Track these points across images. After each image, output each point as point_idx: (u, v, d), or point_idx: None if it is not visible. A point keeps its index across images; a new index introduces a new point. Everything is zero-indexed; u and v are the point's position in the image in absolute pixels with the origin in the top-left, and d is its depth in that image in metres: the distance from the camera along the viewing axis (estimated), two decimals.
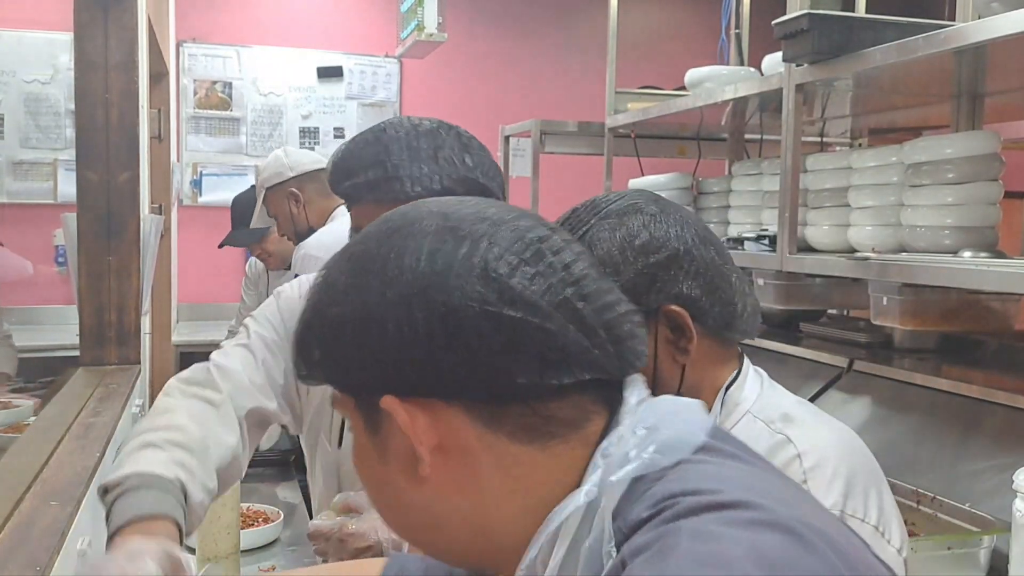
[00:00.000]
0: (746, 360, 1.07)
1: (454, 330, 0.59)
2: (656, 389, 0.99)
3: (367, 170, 1.27)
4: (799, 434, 0.97)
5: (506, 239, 0.63)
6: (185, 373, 1.33)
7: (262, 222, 2.76)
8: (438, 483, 0.63)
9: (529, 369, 0.60)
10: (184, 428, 1.17)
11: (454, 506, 0.64)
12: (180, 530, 1.06)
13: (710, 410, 1.01)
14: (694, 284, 0.99)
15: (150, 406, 3.39)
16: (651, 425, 0.62)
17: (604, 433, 0.64)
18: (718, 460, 0.61)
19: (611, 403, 0.65)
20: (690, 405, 0.66)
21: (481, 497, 0.63)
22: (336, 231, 2.49)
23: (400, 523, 0.69)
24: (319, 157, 2.71)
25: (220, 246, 3.20)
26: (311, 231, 2.58)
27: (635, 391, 0.66)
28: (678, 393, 1.01)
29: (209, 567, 1.70)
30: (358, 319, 0.62)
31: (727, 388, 1.03)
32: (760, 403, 1.02)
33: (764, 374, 1.08)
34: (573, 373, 0.61)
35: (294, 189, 2.64)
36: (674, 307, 0.98)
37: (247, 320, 1.40)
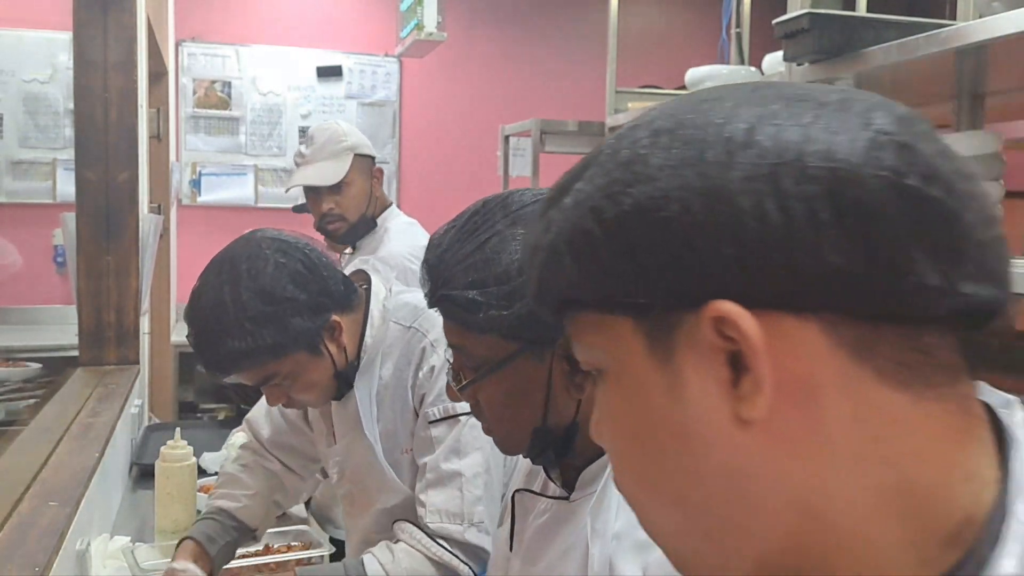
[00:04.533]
0: None
1: (848, 206, 0.42)
2: (549, 418, 0.94)
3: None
4: None
5: (889, 107, 0.46)
6: None
7: (329, 179, 2.36)
8: (764, 433, 0.44)
9: (942, 269, 0.43)
10: None
11: (779, 471, 0.45)
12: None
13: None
14: None
15: (150, 406, 3.39)
16: None
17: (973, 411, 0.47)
18: None
19: (971, 367, 0.49)
20: None
21: (821, 460, 0.44)
22: (410, 237, 2.37)
23: (678, 499, 0.48)
24: None
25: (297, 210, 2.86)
26: (370, 222, 2.43)
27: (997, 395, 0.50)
28: (572, 424, 0.95)
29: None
30: (689, 198, 0.44)
31: None
32: None
33: None
34: (979, 283, 0.44)
35: (380, 167, 2.49)
36: None
37: None
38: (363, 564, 1.39)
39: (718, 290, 0.44)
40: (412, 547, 1.39)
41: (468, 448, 1.41)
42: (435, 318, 1.46)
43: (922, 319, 0.44)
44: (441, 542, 1.39)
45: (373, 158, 2.47)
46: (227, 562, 1.62)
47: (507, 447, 1.02)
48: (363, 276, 1.56)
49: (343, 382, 1.46)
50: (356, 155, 2.39)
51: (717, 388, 0.45)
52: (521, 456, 1.02)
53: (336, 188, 2.37)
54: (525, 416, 0.96)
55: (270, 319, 1.31)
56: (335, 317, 1.40)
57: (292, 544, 1.86)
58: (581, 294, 0.49)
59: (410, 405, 1.47)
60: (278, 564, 1.75)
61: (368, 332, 1.48)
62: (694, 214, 0.44)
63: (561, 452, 0.97)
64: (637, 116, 0.51)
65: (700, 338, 0.45)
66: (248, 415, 1.77)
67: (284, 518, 2.06)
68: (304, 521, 2.03)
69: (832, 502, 0.44)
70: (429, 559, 1.38)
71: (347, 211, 2.40)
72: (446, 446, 1.42)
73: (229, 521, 1.63)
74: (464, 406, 1.37)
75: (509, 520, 1.08)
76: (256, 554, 1.78)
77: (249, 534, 1.67)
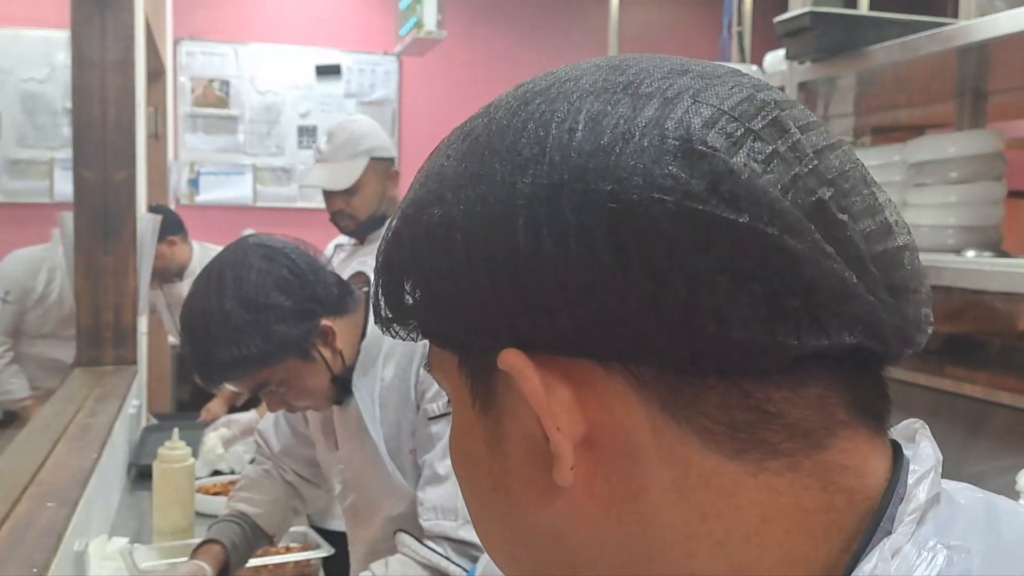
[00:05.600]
0: None
1: (629, 241, 0.34)
2: None
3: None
4: None
5: (722, 96, 0.37)
6: None
7: (340, 183, 2.38)
8: (582, 498, 0.38)
9: (753, 316, 0.34)
10: None
11: (606, 541, 0.38)
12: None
13: None
14: None
15: (148, 407, 3.38)
16: (956, 542, 0.36)
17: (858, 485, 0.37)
18: None
19: (873, 417, 0.40)
20: (1011, 511, 0.39)
21: (647, 535, 0.37)
22: None
23: (512, 555, 0.43)
24: None
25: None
26: (379, 221, 2.45)
27: (922, 444, 0.41)
28: None
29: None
30: (471, 223, 0.37)
31: None
32: None
33: None
34: (827, 331, 0.35)
35: (396, 169, 2.49)
36: None
37: None
38: None
39: (512, 332, 0.37)
40: (405, 555, 1.40)
41: None
42: None
43: (756, 370, 0.35)
44: (432, 544, 1.38)
45: (392, 159, 2.48)
46: (240, 567, 1.62)
47: None
48: (363, 278, 1.54)
49: (342, 387, 1.45)
50: (372, 159, 2.41)
51: (529, 446, 0.38)
52: None
53: (349, 190, 2.38)
54: None
55: (254, 327, 1.30)
56: (326, 322, 1.37)
57: (291, 545, 1.85)
58: (404, 322, 0.42)
59: (412, 403, 1.46)
60: (276, 565, 1.74)
61: (368, 333, 1.46)
62: (476, 243, 0.37)
63: None
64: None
65: (513, 387, 0.38)
66: (259, 426, 1.79)
67: None
68: (303, 522, 2.03)
69: None
70: (419, 563, 1.38)
71: (357, 211, 2.43)
72: (444, 442, 1.41)
73: (249, 527, 1.63)
74: None
75: None
76: (254, 555, 1.77)
77: (266, 540, 1.67)
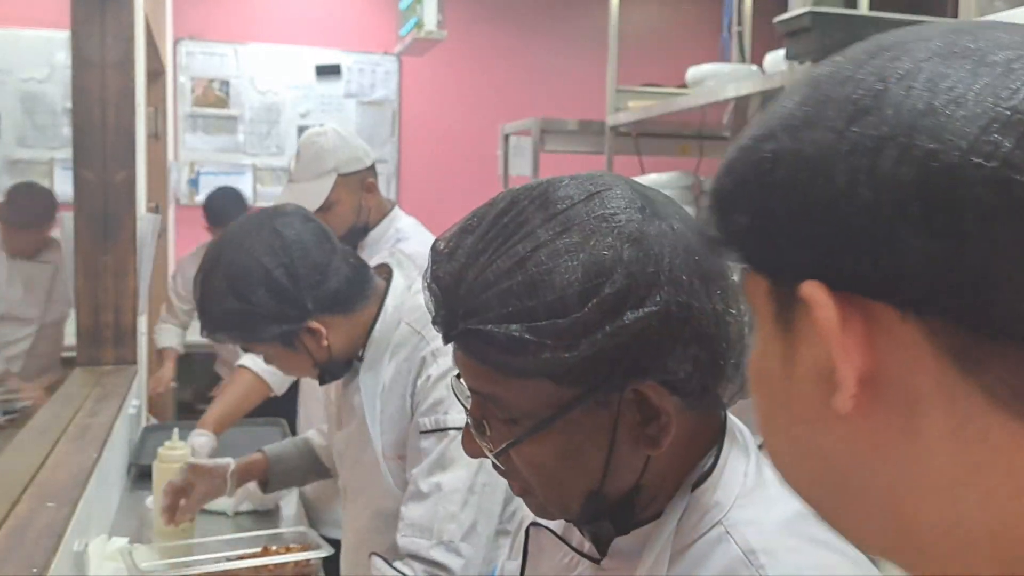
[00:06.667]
0: (727, 437, 0.75)
1: (941, 198, 0.36)
2: (605, 484, 0.72)
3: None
4: None
5: None
6: None
7: (309, 206, 2.24)
8: (856, 428, 0.41)
9: None
10: None
11: (866, 468, 0.42)
12: None
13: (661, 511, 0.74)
14: (685, 352, 0.67)
15: (147, 407, 3.39)
16: None
17: None
18: None
19: None
20: None
21: (916, 474, 0.40)
22: (423, 234, 2.37)
23: (791, 465, 0.47)
24: None
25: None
26: (366, 230, 2.36)
27: None
28: (636, 487, 0.74)
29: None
30: (797, 162, 0.41)
31: (695, 486, 0.72)
32: (739, 513, 0.71)
33: (753, 451, 0.76)
34: None
35: (371, 179, 2.36)
36: (650, 385, 0.68)
37: None
38: None
39: (818, 266, 0.40)
40: None
41: (451, 463, 1.38)
42: None
43: None
44: (402, 567, 1.36)
45: (366, 169, 2.36)
46: (289, 485, 1.78)
47: (548, 512, 0.80)
48: (387, 271, 1.54)
49: (327, 373, 1.48)
50: (340, 175, 2.30)
51: (818, 371, 0.42)
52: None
53: (322, 207, 2.29)
54: (578, 479, 0.73)
55: (236, 313, 1.35)
56: (314, 324, 1.37)
57: (291, 546, 1.85)
58: (729, 247, 0.46)
59: (407, 412, 1.45)
60: (276, 566, 1.74)
61: (378, 327, 1.46)
62: (797, 183, 0.40)
63: (621, 521, 0.76)
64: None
65: (811, 317, 0.41)
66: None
67: (282, 519, 2.06)
68: (303, 522, 2.03)
69: (916, 518, 0.40)
70: None
71: (334, 227, 2.35)
72: (431, 460, 1.40)
73: (307, 451, 1.73)
74: (456, 420, 1.34)
75: (522, 555, 0.91)
76: (254, 555, 1.77)
77: (324, 472, 1.75)
